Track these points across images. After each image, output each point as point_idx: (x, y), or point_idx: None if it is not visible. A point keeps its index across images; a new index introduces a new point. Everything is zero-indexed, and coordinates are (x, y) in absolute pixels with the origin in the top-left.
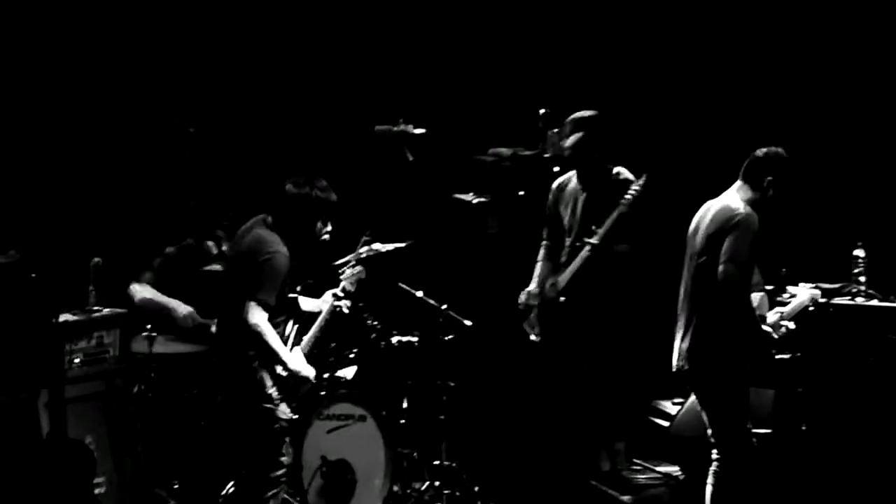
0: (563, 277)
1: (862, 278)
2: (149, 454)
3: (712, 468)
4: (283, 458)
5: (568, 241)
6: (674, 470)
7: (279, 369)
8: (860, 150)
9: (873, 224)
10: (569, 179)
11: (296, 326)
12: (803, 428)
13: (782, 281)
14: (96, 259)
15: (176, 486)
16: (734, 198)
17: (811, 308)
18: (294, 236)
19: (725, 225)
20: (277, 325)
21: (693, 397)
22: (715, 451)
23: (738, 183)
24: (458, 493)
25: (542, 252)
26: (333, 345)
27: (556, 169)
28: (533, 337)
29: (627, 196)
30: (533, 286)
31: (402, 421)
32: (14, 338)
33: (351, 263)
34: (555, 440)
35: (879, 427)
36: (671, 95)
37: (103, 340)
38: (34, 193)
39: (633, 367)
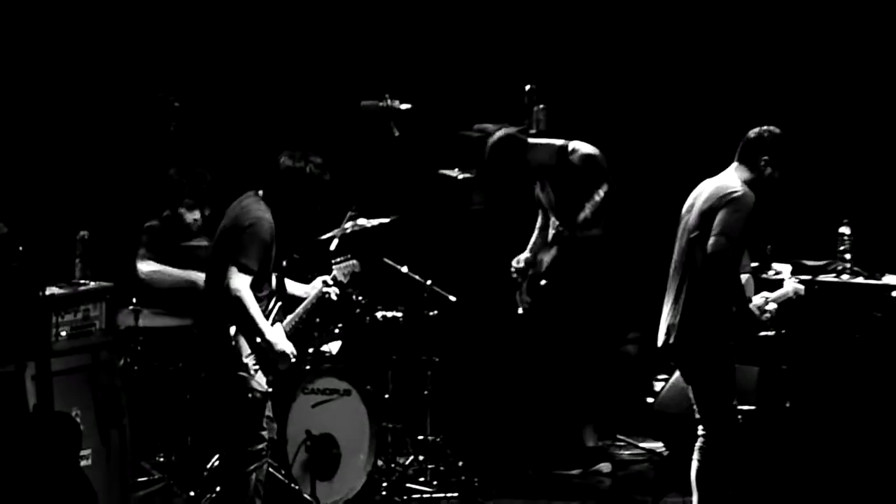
0: (546, 260)
1: (847, 255)
2: (135, 427)
3: (698, 444)
4: (264, 433)
5: (552, 221)
6: (658, 446)
7: (257, 339)
8: (847, 127)
9: (859, 201)
10: None
11: (279, 304)
12: (787, 405)
13: (767, 258)
14: (83, 232)
15: (161, 459)
16: (731, 177)
17: (794, 298)
18: (285, 210)
19: (720, 201)
20: (261, 300)
21: (678, 373)
22: (701, 427)
23: (735, 164)
24: (442, 468)
25: (539, 220)
26: (318, 320)
27: None
28: (520, 309)
29: (595, 198)
30: (526, 253)
31: (387, 396)
32: (1, 310)
33: (347, 256)
34: (539, 415)
35: (864, 404)
36: (658, 73)
37: (90, 314)
38: (21, 167)
39: (619, 346)
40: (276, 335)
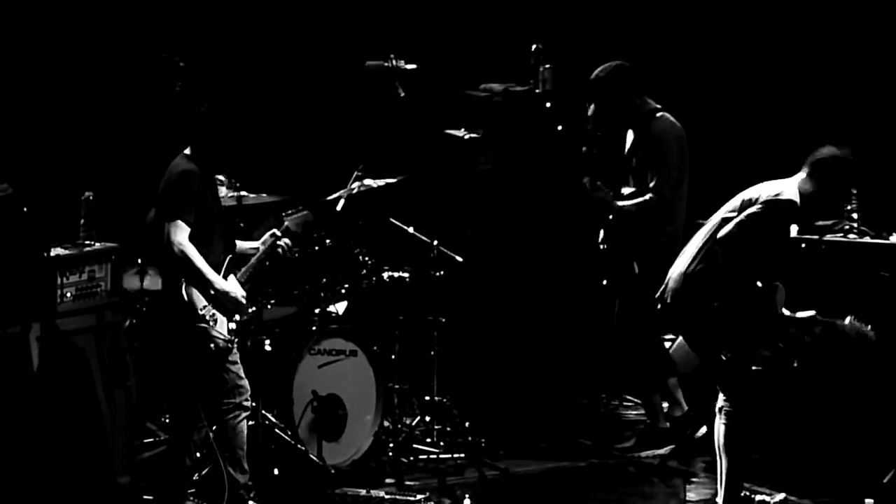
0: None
1: (854, 215)
2: (140, 388)
3: (724, 409)
4: (243, 383)
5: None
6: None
7: (210, 290)
8: (854, 87)
9: (866, 161)
10: None
11: (229, 257)
12: (794, 364)
13: None
14: (88, 193)
15: (167, 421)
16: (790, 185)
17: (850, 336)
18: (207, 155)
19: (761, 198)
20: (211, 252)
21: None
22: (720, 393)
23: (803, 175)
24: (448, 429)
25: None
26: (325, 280)
27: (548, 105)
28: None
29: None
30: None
31: (393, 356)
32: (6, 271)
33: (299, 207)
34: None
35: (870, 364)
36: (664, 30)
37: (95, 274)
38: (26, 127)
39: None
40: (229, 284)
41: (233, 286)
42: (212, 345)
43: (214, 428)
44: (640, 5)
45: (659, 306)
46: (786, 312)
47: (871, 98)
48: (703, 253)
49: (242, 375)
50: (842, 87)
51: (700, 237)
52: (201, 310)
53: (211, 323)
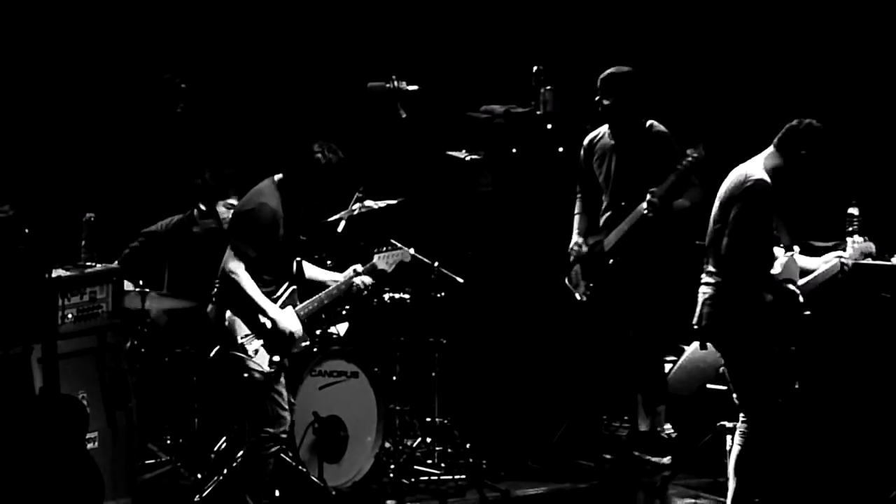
0: (611, 238)
1: (856, 236)
2: (141, 409)
3: (739, 430)
4: (285, 414)
5: (605, 199)
6: (667, 428)
7: (261, 319)
8: (855, 108)
9: (868, 182)
10: (600, 135)
11: (292, 288)
12: (796, 386)
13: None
14: (89, 214)
15: (168, 441)
16: (757, 164)
17: (839, 276)
18: (297, 197)
19: (735, 192)
20: (268, 283)
21: (685, 355)
22: (742, 414)
23: (770, 149)
24: (450, 450)
25: (577, 205)
26: (344, 311)
27: (549, 126)
28: (578, 296)
29: (684, 163)
30: (577, 238)
31: (395, 378)
32: (7, 293)
33: (396, 244)
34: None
35: (872, 386)
36: (664, 53)
37: (96, 296)
38: (28, 149)
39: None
40: (282, 316)
41: (286, 318)
42: (245, 374)
43: (241, 452)
44: (642, 27)
45: (696, 329)
46: (801, 281)
47: (869, 119)
48: (716, 271)
49: (286, 406)
50: (838, 106)
51: (707, 255)
52: (241, 338)
53: (251, 353)
